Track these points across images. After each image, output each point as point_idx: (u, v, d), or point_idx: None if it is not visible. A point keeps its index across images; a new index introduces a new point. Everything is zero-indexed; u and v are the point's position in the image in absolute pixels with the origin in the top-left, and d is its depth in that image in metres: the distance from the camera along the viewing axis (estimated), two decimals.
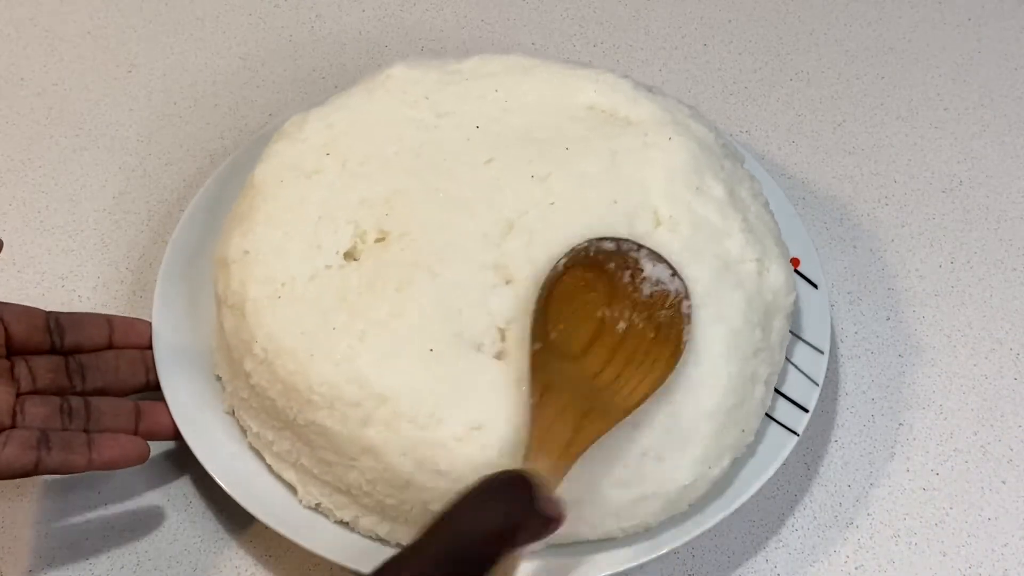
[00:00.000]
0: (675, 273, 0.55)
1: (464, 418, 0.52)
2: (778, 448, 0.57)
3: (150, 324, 0.61)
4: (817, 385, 0.60)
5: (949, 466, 0.62)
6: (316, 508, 0.56)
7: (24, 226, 0.71)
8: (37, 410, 0.55)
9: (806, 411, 0.59)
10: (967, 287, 0.70)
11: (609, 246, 0.55)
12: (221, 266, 0.59)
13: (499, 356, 0.53)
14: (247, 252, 0.57)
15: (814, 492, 0.61)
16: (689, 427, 0.53)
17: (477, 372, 0.53)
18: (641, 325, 0.53)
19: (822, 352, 0.61)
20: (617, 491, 0.52)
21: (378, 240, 0.57)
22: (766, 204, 0.63)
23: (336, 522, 0.56)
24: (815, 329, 0.62)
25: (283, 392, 0.54)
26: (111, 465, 0.55)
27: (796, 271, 0.63)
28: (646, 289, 0.54)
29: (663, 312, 0.54)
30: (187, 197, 0.72)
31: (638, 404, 0.51)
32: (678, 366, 0.53)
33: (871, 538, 0.59)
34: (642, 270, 0.54)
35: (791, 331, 0.61)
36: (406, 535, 0.55)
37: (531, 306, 0.53)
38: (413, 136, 0.61)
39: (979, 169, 0.76)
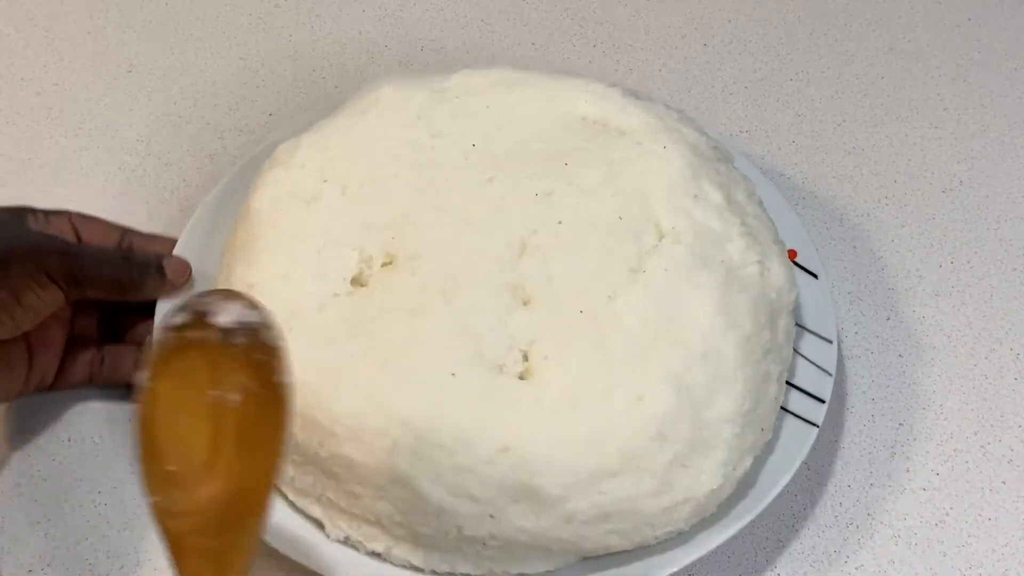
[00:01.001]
0: (253, 304, 0.45)
1: (492, 441, 0.51)
2: (799, 441, 0.58)
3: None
4: (830, 375, 0.60)
5: (949, 466, 0.62)
6: (345, 541, 0.55)
7: None
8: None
9: (822, 402, 0.59)
10: (967, 287, 0.70)
11: (180, 319, 0.44)
12: None
13: (522, 376, 0.53)
14: (252, 285, 0.56)
15: (814, 492, 0.61)
16: (711, 434, 0.53)
17: (501, 393, 0.52)
18: (250, 383, 0.43)
19: (830, 341, 0.61)
20: (648, 501, 0.52)
21: (385, 264, 0.56)
22: (761, 203, 0.63)
23: (367, 553, 0.55)
24: (820, 319, 0.62)
25: (303, 426, 0.53)
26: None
27: (794, 262, 0.63)
28: (238, 339, 0.44)
29: (257, 356, 0.44)
30: (188, 197, 0.72)
31: (268, 480, 0.44)
32: (286, 420, 0.44)
33: (871, 538, 0.60)
34: (218, 320, 0.44)
35: (797, 324, 0.61)
36: (442, 562, 0.54)
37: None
38: (410, 157, 0.60)
39: (979, 169, 0.76)
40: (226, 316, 0.44)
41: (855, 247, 0.71)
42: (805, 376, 0.60)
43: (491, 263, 0.55)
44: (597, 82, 0.64)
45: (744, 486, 0.56)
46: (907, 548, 0.59)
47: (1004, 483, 0.62)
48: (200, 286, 0.62)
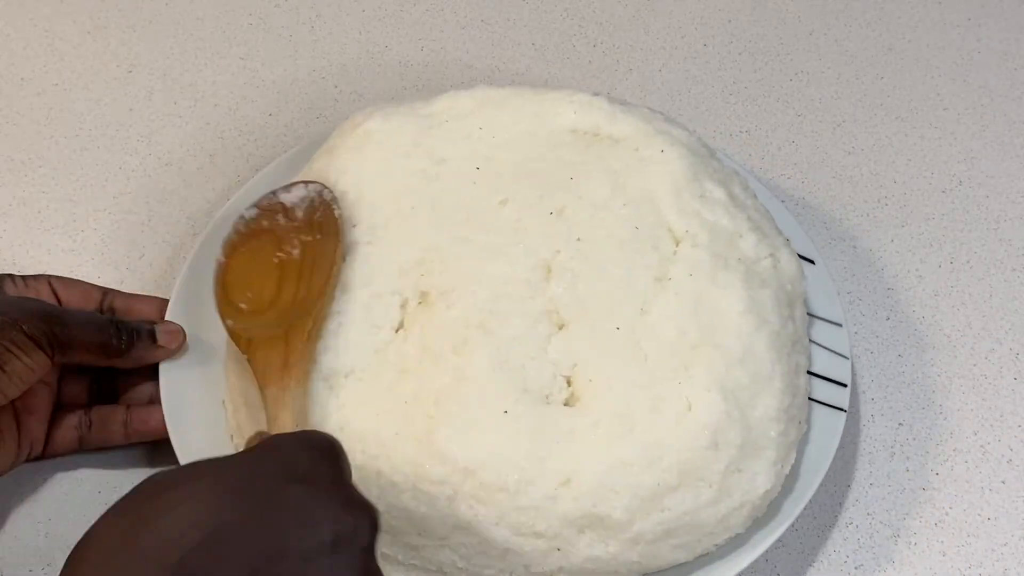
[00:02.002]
0: (308, 182, 0.60)
1: (552, 476, 0.51)
2: (829, 428, 0.58)
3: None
4: (846, 358, 0.60)
5: (949, 466, 0.62)
6: None
7: (24, 226, 0.71)
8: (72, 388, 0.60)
9: (844, 386, 0.60)
10: (967, 287, 0.70)
11: (250, 213, 0.59)
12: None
13: (567, 403, 0.53)
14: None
15: (814, 492, 0.61)
16: (759, 435, 0.53)
17: (552, 425, 0.52)
18: (309, 238, 0.57)
19: (839, 325, 0.62)
20: (708, 511, 0.52)
21: (419, 303, 0.56)
22: (755, 195, 0.63)
23: None
24: (824, 304, 0.63)
25: (360, 480, 0.51)
26: (146, 437, 0.59)
27: None
28: (299, 213, 0.59)
29: (318, 215, 0.58)
30: (187, 198, 0.72)
31: (323, 288, 0.55)
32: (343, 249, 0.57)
33: (871, 538, 0.60)
34: (284, 204, 0.59)
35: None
36: None
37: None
38: (421, 187, 0.59)
39: (979, 169, 0.76)
40: (290, 197, 0.59)
41: (855, 247, 0.71)
42: (820, 363, 0.61)
43: (522, 290, 0.55)
44: (581, 92, 0.63)
45: (787, 480, 0.56)
46: (907, 548, 0.59)
47: (1004, 483, 0.62)
48: (197, 351, 0.60)
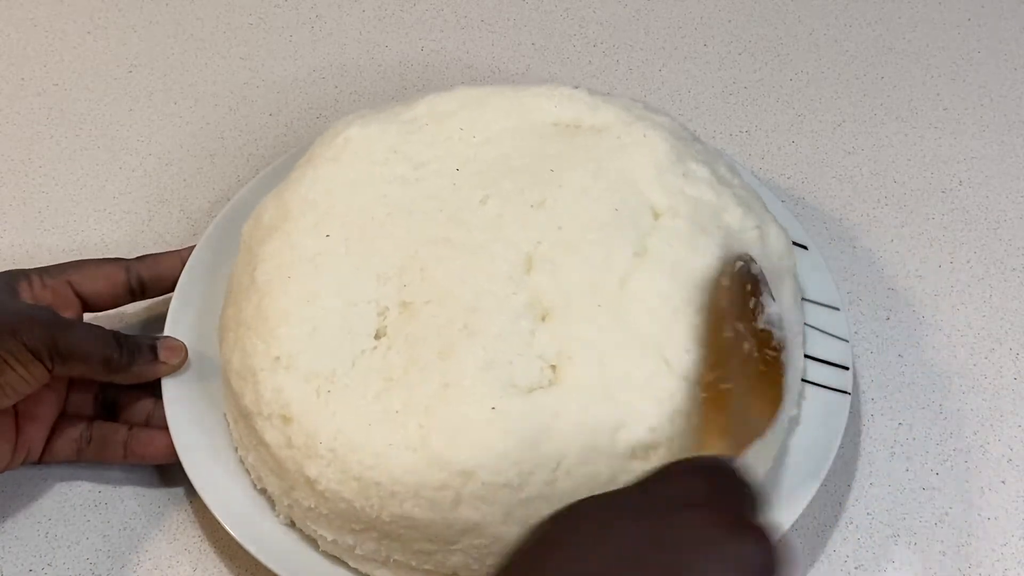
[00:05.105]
0: (782, 325, 0.55)
1: (548, 462, 0.51)
2: (834, 411, 0.58)
3: None
4: (846, 341, 0.61)
5: (949, 466, 0.62)
6: None
7: (24, 226, 0.71)
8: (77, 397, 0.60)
9: (846, 368, 0.60)
10: (967, 287, 0.70)
11: (755, 270, 0.56)
12: (244, 377, 0.55)
13: (551, 382, 0.53)
14: (278, 358, 0.54)
15: (814, 493, 0.61)
16: None
17: (539, 411, 0.52)
18: (756, 354, 0.53)
19: (837, 308, 0.62)
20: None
21: (401, 313, 0.55)
22: (741, 176, 0.63)
23: None
24: (820, 289, 0.63)
25: (359, 490, 0.52)
26: (144, 461, 0.59)
27: None
28: (760, 322, 0.54)
29: (768, 351, 0.53)
30: (187, 198, 0.72)
31: (764, 431, 0.50)
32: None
33: (871, 538, 0.60)
34: (763, 304, 0.54)
35: (801, 298, 0.62)
36: None
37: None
38: (398, 193, 0.59)
39: (979, 169, 0.76)
40: (767, 304, 0.54)
41: (855, 247, 0.71)
42: (823, 347, 0.61)
43: (504, 285, 0.55)
44: (561, 85, 0.63)
45: (794, 465, 0.56)
46: (907, 548, 0.59)
47: (1004, 483, 0.62)
48: (200, 366, 0.60)
